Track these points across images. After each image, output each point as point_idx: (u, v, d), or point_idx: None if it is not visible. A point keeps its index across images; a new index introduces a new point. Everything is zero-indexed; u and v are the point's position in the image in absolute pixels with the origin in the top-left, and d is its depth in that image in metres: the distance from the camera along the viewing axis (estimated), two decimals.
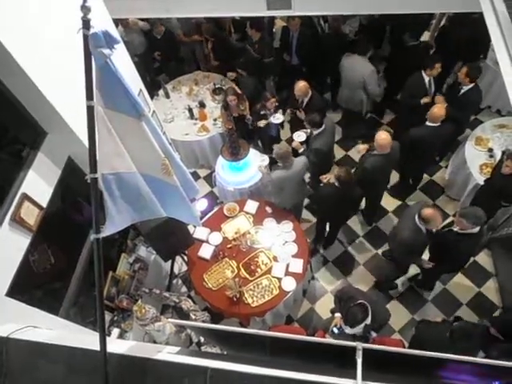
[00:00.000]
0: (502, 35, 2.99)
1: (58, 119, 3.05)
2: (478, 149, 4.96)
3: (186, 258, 4.59)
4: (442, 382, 2.30)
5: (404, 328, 4.60)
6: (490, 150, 4.90)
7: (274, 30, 6.45)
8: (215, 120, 5.65)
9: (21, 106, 2.96)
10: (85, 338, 2.36)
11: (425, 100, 4.71)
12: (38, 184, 3.14)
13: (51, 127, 3.22)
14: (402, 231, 3.80)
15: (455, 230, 3.68)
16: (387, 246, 5.02)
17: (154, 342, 3.71)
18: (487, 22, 3.13)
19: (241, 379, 1.82)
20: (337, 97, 6.11)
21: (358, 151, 4.59)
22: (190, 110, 5.67)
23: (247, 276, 4.22)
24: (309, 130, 4.71)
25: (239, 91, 5.29)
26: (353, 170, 4.52)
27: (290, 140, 5.76)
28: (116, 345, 2.10)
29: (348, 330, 3.27)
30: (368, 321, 3.23)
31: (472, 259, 4.74)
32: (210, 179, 5.90)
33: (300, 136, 4.70)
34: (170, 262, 4.64)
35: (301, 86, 4.71)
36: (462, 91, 4.55)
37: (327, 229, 5.02)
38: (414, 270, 4.71)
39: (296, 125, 5.09)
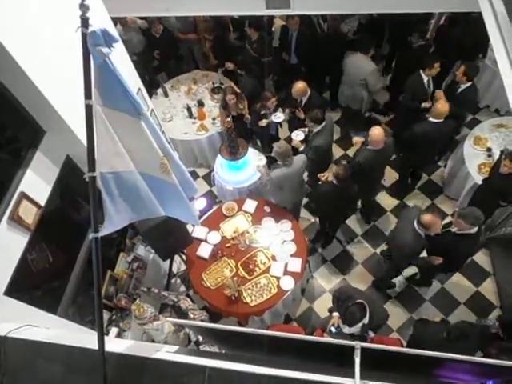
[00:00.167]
0: (501, 36, 2.99)
1: (57, 118, 3.05)
2: (477, 148, 4.97)
3: (184, 257, 4.59)
4: (440, 381, 2.31)
5: (402, 327, 4.60)
6: (489, 149, 4.91)
7: (273, 29, 6.45)
8: (214, 119, 5.64)
9: (19, 104, 2.96)
10: (83, 337, 2.36)
11: (425, 105, 4.73)
12: (37, 183, 3.14)
13: (50, 126, 3.22)
14: (402, 237, 3.77)
15: (453, 230, 3.69)
16: (385, 245, 5.04)
17: (153, 341, 3.71)
18: (486, 23, 3.13)
19: (239, 378, 1.82)
20: (337, 95, 6.13)
21: (353, 144, 4.60)
22: (189, 109, 5.66)
23: (246, 275, 4.22)
24: (307, 129, 4.72)
25: (238, 90, 5.28)
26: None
27: (288, 139, 5.77)
28: (114, 344, 2.10)
29: (346, 330, 3.28)
30: (366, 320, 3.24)
31: (470, 259, 4.75)
32: (208, 178, 5.90)
33: (299, 135, 4.70)
34: (168, 261, 4.64)
35: (299, 86, 4.71)
36: (460, 90, 4.56)
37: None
38: (411, 269, 4.71)
39: (294, 124, 5.09)
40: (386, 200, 5.58)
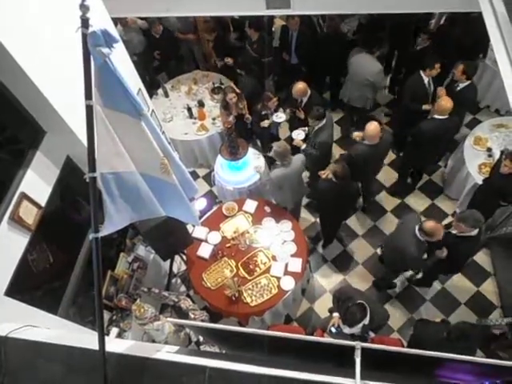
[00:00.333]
0: (501, 36, 2.99)
1: (57, 118, 3.05)
2: (477, 148, 4.97)
3: (184, 257, 4.59)
4: (441, 381, 2.31)
5: (403, 327, 4.60)
6: (489, 149, 4.91)
7: (273, 29, 6.45)
8: (214, 119, 5.65)
9: (20, 104, 2.96)
10: (83, 338, 2.36)
11: (426, 107, 4.73)
12: (37, 183, 3.14)
13: (50, 126, 3.22)
14: (405, 247, 3.69)
15: (454, 232, 3.68)
16: (381, 251, 5.01)
17: (153, 341, 3.71)
18: (486, 23, 3.13)
19: (239, 378, 1.82)
20: (337, 95, 6.13)
21: (352, 138, 4.62)
22: (189, 110, 5.67)
23: (246, 275, 4.22)
24: (307, 128, 4.73)
25: (238, 90, 5.29)
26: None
27: (288, 139, 5.77)
28: (115, 344, 2.10)
29: (346, 330, 3.28)
30: (366, 321, 3.24)
31: (470, 259, 4.75)
32: (209, 178, 5.90)
33: (299, 134, 4.72)
34: (169, 261, 4.64)
35: (300, 87, 4.72)
36: (458, 88, 4.57)
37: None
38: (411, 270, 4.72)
39: (295, 124, 5.09)
40: (386, 200, 5.58)
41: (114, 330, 3.84)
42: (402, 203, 5.53)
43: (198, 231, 4.53)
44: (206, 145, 5.68)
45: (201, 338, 4.19)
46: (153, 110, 4.66)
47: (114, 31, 3.34)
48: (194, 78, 6.16)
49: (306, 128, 4.73)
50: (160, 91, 5.98)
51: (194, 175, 6.01)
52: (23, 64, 2.61)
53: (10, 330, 2.22)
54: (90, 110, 1.62)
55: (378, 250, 5.14)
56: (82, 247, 3.62)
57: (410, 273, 4.80)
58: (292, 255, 4.32)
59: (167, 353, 2.08)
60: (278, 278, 4.19)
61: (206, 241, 4.49)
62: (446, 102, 4.25)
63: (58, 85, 2.88)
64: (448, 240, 3.68)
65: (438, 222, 3.61)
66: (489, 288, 4.79)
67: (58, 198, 3.36)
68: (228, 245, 4.44)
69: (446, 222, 5.15)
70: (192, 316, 3.87)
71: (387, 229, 5.25)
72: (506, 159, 3.90)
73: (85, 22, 1.51)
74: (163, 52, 6.15)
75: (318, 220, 5.34)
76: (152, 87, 6.02)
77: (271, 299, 4.09)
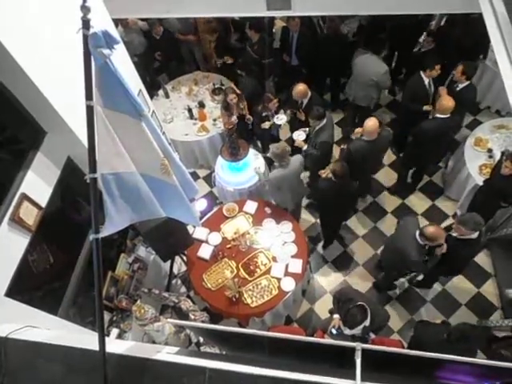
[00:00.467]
0: (501, 37, 2.99)
1: (58, 119, 3.05)
2: (478, 149, 4.96)
3: (185, 258, 4.59)
4: (441, 383, 2.31)
5: (403, 329, 4.60)
6: (490, 150, 4.91)
7: (274, 30, 6.46)
8: (215, 120, 5.65)
9: (20, 105, 2.96)
10: (84, 338, 2.36)
11: (426, 108, 4.73)
12: (38, 184, 3.14)
13: (51, 127, 3.22)
14: (406, 251, 3.66)
15: (454, 235, 3.67)
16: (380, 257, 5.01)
17: (153, 342, 3.71)
18: (487, 24, 3.13)
19: (239, 379, 1.82)
20: (338, 96, 6.23)
21: (353, 134, 4.64)
22: (190, 110, 5.67)
23: (246, 276, 4.22)
24: (307, 129, 4.73)
25: (238, 91, 5.29)
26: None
27: (289, 140, 5.77)
28: (115, 345, 2.10)
29: (347, 332, 3.27)
30: (367, 322, 3.23)
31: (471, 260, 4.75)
32: (209, 179, 5.90)
33: (300, 135, 4.73)
34: (169, 262, 4.64)
35: (300, 88, 4.72)
36: (458, 89, 4.57)
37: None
38: None
39: (295, 125, 5.09)
40: (386, 201, 5.58)
41: (115, 331, 3.84)
42: (402, 204, 5.53)
43: (199, 232, 4.54)
44: (207, 146, 5.69)
45: (201, 339, 4.18)
46: (153, 111, 4.66)
47: (114, 32, 3.33)
48: (194, 79, 6.17)
49: (307, 129, 4.74)
50: (160, 92, 5.99)
51: (195, 176, 6.01)
52: (24, 64, 2.61)
53: (10, 330, 2.22)
54: (90, 110, 1.62)
55: (379, 251, 5.14)
56: (82, 248, 3.62)
57: (408, 277, 4.80)
58: (292, 256, 4.32)
59: (167, 354, 2.08)
60: (279, 279, 4.19)
61: (206, 242, 4.50)
62: (447, 101, 4.26)
63: (59, 85, 2.88)
64: (448, 243, 3.67)
65: (438, 226, 3.60)
66: (489, 289, 4.78)
67: (58, 199, 3.36)
68: (228, 246, 4.44)
69: (446, 223, 5.16)
70: (192, 317, 3.86)
71: (387, 230, 5.24)
72: (506, 160, 3.90)
73: (86, 23, 1.52)
74: (164, 53, 6.16)
75: (318, 221, 5.34)
76: (152, 88, 6.03)
77: (271, 300, 4.09)
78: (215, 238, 4.52)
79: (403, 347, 3.79)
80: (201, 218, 4.56)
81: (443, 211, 5.40)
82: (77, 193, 3.59)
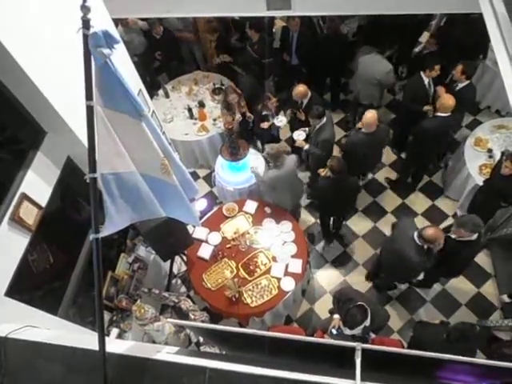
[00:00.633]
0: (501, 37, 2.98)
1: (58, 119, 3.05)
2: (478, 149, 4.96)
3: (185, 257, 4.59)
4: (441, 383, 2.31)
5: (403, 328, 4.60)
6: (490, 150, 4.91)
7: (274, 30, 6.46)
8: (215, 120, 5.65)
9: (20, 105, 2.96)
10: (84, 338, 2.36)
11: (427, 108, 4.74)
12: (38, 184, 3.14)
13: (50, 127, 3.22)
14: (407, 254, 3.62)
15: (453, 237, 3.67)
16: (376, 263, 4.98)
17: (153, 341, 3.71)
18: (487, 24, 3.13)
19: (239, 379, 1.82)
20: (338, 95, 6.25)
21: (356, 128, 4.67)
22: (190, 110, 5.67)
23: (246, 276, 4.22)
24: (307, 129, 4.74)
25: (238, 91, 5.29)
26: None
27: (289, 140, 5.77)
28: (115, 345, 2.10)
29: (347, 332, 3.27)
30: (367, 322, 3.23)
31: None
32: (209, 179, 5.90)
33: (300, 135, 4.74)
34: (169, 261, 4.64)
35: (300, 89, 4.73)
36: (457, 88, 4.57)
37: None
38: None
39: (295, 125, 5.10)
40: (386, 201, 5.58)
41: (115, 331, 3.84)
42: (402, 204, 5.53)
43: (199, 232, 4.54)
44: (207, 145, 5.68)
45: (201, 339, 4.18)
46: (153, 111, 4.66)
47: (114, 32, 3.33)
48: (194, 79, 6.17)
49: (307, 128, 4.75)
50: (161, 92, 5.99)
51: (195, 176, 6.01)
52: (24, 64, 2.61)
53: (9, 330, 2.22)
54: (90, 110, 1.62)
55: (379, 251, 5.13)
56: (82, 248, 3.62)
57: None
58: (292, 256, 4.32)
59: (167, 353, 2.08)
60: (279, 279, 4.19)
61: (206, 241, 4.50)
62: (448, 100, 4.26)
63: (59, 85, 2.88)
64: (448, 245, 3.67)
65: (437, 227, 3.59)
66: (489, 289, 4.78)
67: (58, 199, 3.36)
68: (228, 245, 4.44)
69: (446, 223, 5.16)
70: (192, 317, 3.86)
71: (388, 230, 5.24)
72: (506, 160, 3.90)
73: (86, 23, 1.52)
74: (164, 53, 6.16)
75: (318, 220, 5.35)
76: (153, 88, 6.03)
77: (271, 300, 4.09)
78: (215, 238, 4.52)
79: (403, 347, 3.79)
80: (201, 218, 4.55)
81: (443, 211, 5.40)
82: (77, 192, 3.59)
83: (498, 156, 4.62)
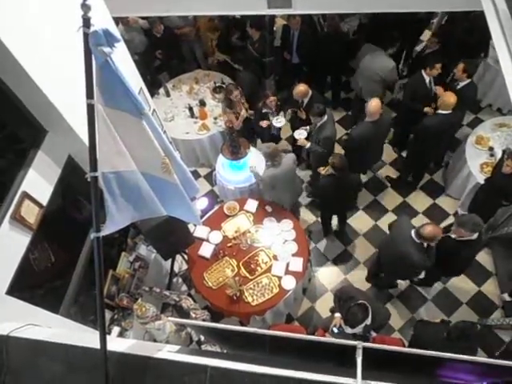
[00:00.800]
0: (503, 34, 2.98)
1: (59, 117, 3.05)
2: (479, 148, 4.95)
3: (186, 256, 4.59)
4: (442, 381, 2.31)
5: (404, 327, 4.60)
6: (491, 148, 4.90)
7: (274, 28, 6.44)
8: (215, 119, 5.65)
9: (21, 104, 2.96)
10: (85, 337, 2.37)
11: (427, 109, 4.73)
12: (39, 182, 3.14)
13: (51, 125, 3.22)
14: (407, 254, 3.61)
15: (453, 236, 3.66)
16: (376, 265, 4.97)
17: (155, 340, 3.72)
18: (488, 21, 3.12)
19: (240, 378, 1.82)
20: (339, 94, 6.24)
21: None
22: (191, 109, 5.67)
23: (247, 275, 4.22)
24: (308, 127, 4.74)
25: (238, 88, 5.28)
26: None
27: (290, 138, 5.77)
28: (116, 343, 2.10)
29: (348, 330, 3.27)
30: (368, 321, 3.23)
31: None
32: (210, 178, 5.90)
33: (301, 134, 4.73)
34: (170, 260, 4.64)
35: (301, 89, 4.73)
36: (458, 87, 4.56)
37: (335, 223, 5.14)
38: None
39: (296, 124, 5.09)
40: (388, 199, 5.58)
41: (116, 329, 3.85)
42: (403, 202, 5.53)
43: (200, 230, 4.54)
44: (208, 144, 5.68)
45: (202, 338, 4.19)
46: (154, 110, 4.66)
47: (115, 31, 3.33)
48: (195, 78, 6.16)
49: (308, 127, 4.75)
50: (161, 90, 5.99)
51: (196, 174, 6.01)
52: (25, 63, 2.61)
53: (11, 328, 2.22)
54: (91, 109, 1.62)
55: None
56: (83, 246, 3.63)
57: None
58: (293, 254, 4.32)
59: (168, 352, 2.08)
60: (279, 278, 4.19)
61: (207, 240, 4.50)
62: (449, 97, 4.26)
63: (60, 84, 2.88)
64: (448, 245, 3.67)
65: (434, 224, 3.58)
66: (490, 288, 4.78)
67: (59, 198, 3.36)
68: (229, 244, 4.45)
69: (447, 221, 5.15)
70: (193, 315, 3.87)
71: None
72: (508, 159, 3.89)
73: (86, 22, 1.51)
74: (165, 51, 6.15)
75: (319, 219, 5.34)
76: (153, 86, 6.02)
77: (272, 299, 4.10)
78: (216, 237, 4.52)
79: (404, 346, 3.79)
80: (202, 217, 4.55)
81: (444, 210, 5.39)
82: (78, 191, 3.60)
83: (499, 154, 4.60)
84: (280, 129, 5.87)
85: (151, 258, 4.69)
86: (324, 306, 4.73)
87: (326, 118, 4.51)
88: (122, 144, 1.82)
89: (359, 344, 1.81)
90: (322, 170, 4.29)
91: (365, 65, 5.32)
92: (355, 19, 6.06)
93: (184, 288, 5.08)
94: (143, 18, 5.86)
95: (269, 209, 4.68)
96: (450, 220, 5.09)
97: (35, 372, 2.09)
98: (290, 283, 4.16)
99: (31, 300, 2.90)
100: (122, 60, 3.70)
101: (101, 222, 1.70)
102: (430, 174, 5.69)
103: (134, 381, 1.98)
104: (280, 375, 1.81)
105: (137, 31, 5.95)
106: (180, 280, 5.12)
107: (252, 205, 4.74)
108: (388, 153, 5.86)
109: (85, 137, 1.66)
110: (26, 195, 2.94)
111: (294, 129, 5.11)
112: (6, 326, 2.27)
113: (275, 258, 4.32)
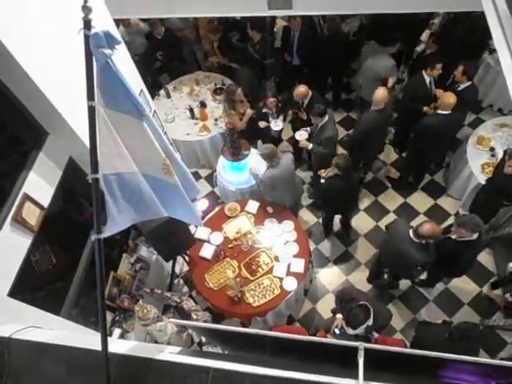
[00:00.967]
0: (503, 34, 2.97)
1: (60, 119, 3.06)
2: (480, 148, 4.95)
3: (187, 257, 4.59)
4: (444, 382, 2.30)
5: (405, 328, 4.59)
6: (492, 149, 4.90)
7: (275, 29, 6.45)
8: (216, 120, 5.65)
9: (22, 106, 2.96)
10: (86, 338, 2.36)
11: (427, 110, 4.73)
12: (40, 184, 3.15)
13: (52, 128, 3.23)
14: (408, 254, 3.61)
15: (453, 237, 3.66)
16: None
17: (156, 342, 3.72)
18: (489, 22, 3.12)
19: (242, 379, 1.82)
20: (340, 95, 6.24)
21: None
22: (191, 110, 5.67)
23: (248, 276, 4.22)
24: (309, 128, 4.74)
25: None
26: None
27: (291, 140, 5.77)
28: (117, 345, 2.10)
29: (350, 331, 3.27)
30: (370, 322, 3.22)
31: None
32: (211, 179, 5.90)
33: (302, 135, 4.74)
34: (171, 262, 4.64)
35: (301, 90, 4.74)
36: (459, 89, 4.56)
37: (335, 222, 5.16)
38: None
39: (297, 125, 5.09)
40: (389, 200, 5.57)
41: (117, 331, 3.85)
42: (404, 203, 5.52)
43: (201, 232, 4.54)
44: (208, 145, 5.69)
45: (203, 339, 4.18)
46: (155, 111, 4.66)
47: (116, 32, 3.34)
48: (195, 79, 6.17)
49: (309, 128, 4.75)
50: (162, 92, 5.99)
51: (196, 176, 6.01)
52: (25, 65, 2.62)
53: (13, 330, 2.22)
54: (92, 110, 1.62)
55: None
56: (84, 248, 3.63)
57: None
58: (294, 256, 4.32)
59: (170, 353, 2.08)
60: (281, 279, 4.18)
61: (208, 241, 4.50)
62: (448, 98, 4.27)
63: (60, 86, 2.88)
64: (449, 244, 3.66)
65: (431, 221, 3.58)
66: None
67: (60, 199, 3.37)
68: (230, 245, 4.45)
69: (449, 222, 5.14)
70: (194, 317, 3.87)
71: None
72: (509, 159, 3.89)
73: (87, 24, 1.51)
74: (165, 53, 6.16)
75: (320, 220, 5.34)
76: (154, 88, 6.03)
77: (274, 300, 4.09)
78: (217, 238, 4.52)
79: (406, 347, 3.78)
80: (202, 218, 4.55)
81: (445, 210, 5.39)
82: (79, 193, 3.60)
83: (500, 154, 4.61)
84: (280, 131, 5.88)
85: (152, 260, 4.69)
86: (325, 307, 4.72)
87: (327, 118, 4.52)
88: (122, 145, 1.82)
89: (361, 345, 1.80)
90: (323, 173, 4.29)
91: (367, 65, 5.36)
92: (356, 20, 6.06)
93: (185, 289, 5.08)
94: (144, 20, 5.87)
95: (270, 210, 4.68)
96: (451, 220, 5.08)
97: (37, 374, 2.09)
98: (291, 284, 4.15)
99: (33, 302, 2.89)
100: (123, 62, 3.71)
101: (102, 224, 1.70)
102: (430, 175, 5.68)
103: (136, 382, 1.98)
104: (281, 376, 1.80)
105: (137, 33, 5.97)
106: (181, 281, 5.12)
107: (253, 206, 4.74)
108: (389, 153, 5.86)
109: (86, 139, 1.66)
110: (27, 197, 2.94)
111: (295, 130, 5.11)
112: (7, 327, 2.27)
113: (276, 259, 4.32)
